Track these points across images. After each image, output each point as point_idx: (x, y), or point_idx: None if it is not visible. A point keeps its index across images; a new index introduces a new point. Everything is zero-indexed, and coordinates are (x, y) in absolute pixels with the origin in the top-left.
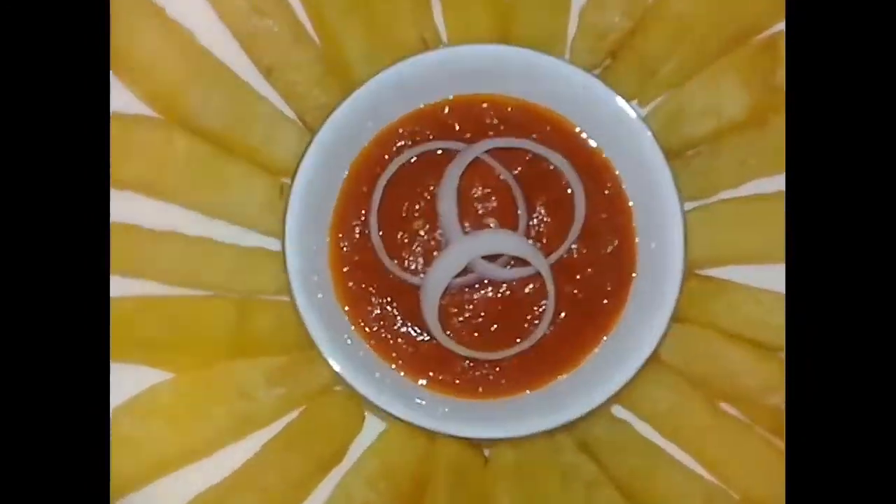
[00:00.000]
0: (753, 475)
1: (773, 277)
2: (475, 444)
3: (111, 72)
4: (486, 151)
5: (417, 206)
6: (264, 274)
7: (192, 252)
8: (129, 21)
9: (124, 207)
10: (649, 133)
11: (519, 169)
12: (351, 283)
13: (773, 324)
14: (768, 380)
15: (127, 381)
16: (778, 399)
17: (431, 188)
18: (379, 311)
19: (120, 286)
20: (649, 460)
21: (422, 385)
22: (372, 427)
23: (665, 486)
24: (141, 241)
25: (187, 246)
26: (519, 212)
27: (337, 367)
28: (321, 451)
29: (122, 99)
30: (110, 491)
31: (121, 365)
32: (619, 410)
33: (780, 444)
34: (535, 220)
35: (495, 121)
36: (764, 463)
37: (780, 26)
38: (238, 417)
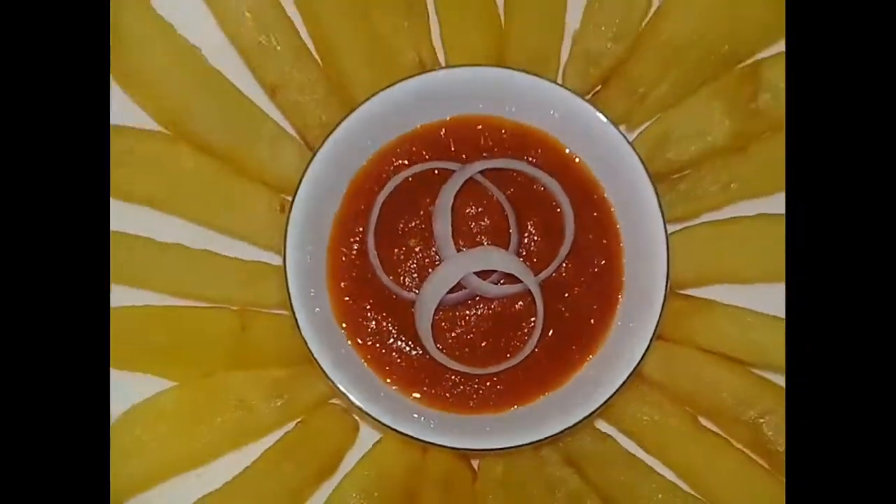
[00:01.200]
0: (731, 488)
1: (752, 297)
2: (465, 455)
3: (121, 88)
4: (481, 172)
5: (413, 224)
6: (265, 287)
7: (196, 265)
8: (139, 37)
9: (131, 219)
10: (637, 157)
11: (511, 190)
12: (348, 298)
13: (751, 341)
14: (745, 395)
15: (132, 389)
16: (753, 413)
17: (427, 206)
18: (374, 326)
19: (125, 296)
20: (632, 473)
21: (415, 398)
22: (365, 438)
23: (647, 498)
24: (147, 252)
25: (191, 259)
26: (511, 231)
27: (334, 381)
28: (317, 462)
29: (131, 114)
30: (111, 495)
31: (126, 373)
32: (603, 425)
33: (756, 457)
34: (527, 240)
35: (490, 142)
36: (741, 476)
37: (762, 54)
38: (237, 427)
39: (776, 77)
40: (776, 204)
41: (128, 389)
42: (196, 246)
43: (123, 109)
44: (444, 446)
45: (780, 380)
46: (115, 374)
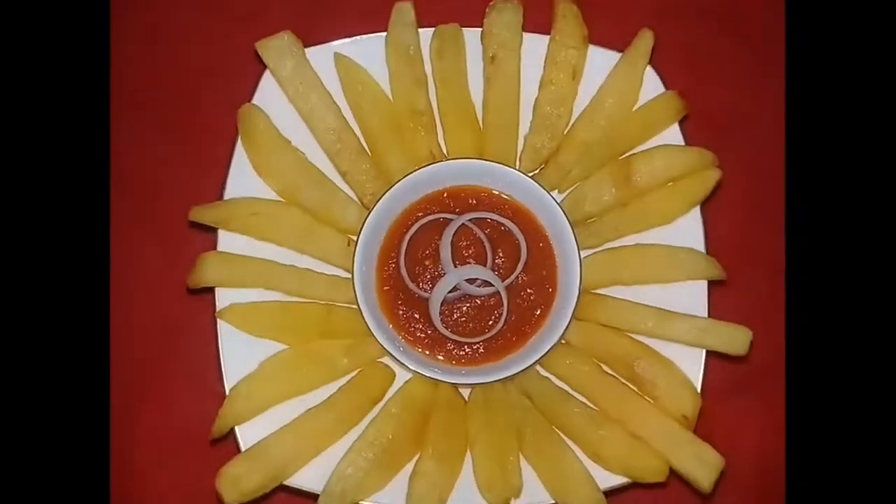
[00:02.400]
0: (617, 404)
1: (632, 293)
2: (459, 389)
3: (258, 175)
4: (470, 220)
5: (427, 251)
6: (341, 291)
7: (302, 277)
8: (270, 148)
9: (269, 253)
10: (562, 211)
11: (488, 230)
12: (388, 297)
13: (627, 318)
14: (626, 350)
15: (264, 349)
16: (630, 359)
17: (436, 241)
18: (405, 314)
19: (265, 295)
20: (560, 398)
21: (428, 355)
22: (398, 381)
23: (568, 411)
24: (274, 270)
25: (298, 273)
26: (487, 255)
27: (384, 346)
28: (370, 393)
29: (267, 192)
30: (247, 412)
31: (261, 340)
32: (543, 371)
33: (633, 387)
34: (498, 260)
35: (474, 202)
36: (624, 397)
37: (634, 150)
38: (324, 373)
39: (641, 165)
40: (644, 238)
41: (264, 350)
42: (301, 265)
43: (262, 189)
44: (449, 382)
45: (643, 339)
46: (257, 341)
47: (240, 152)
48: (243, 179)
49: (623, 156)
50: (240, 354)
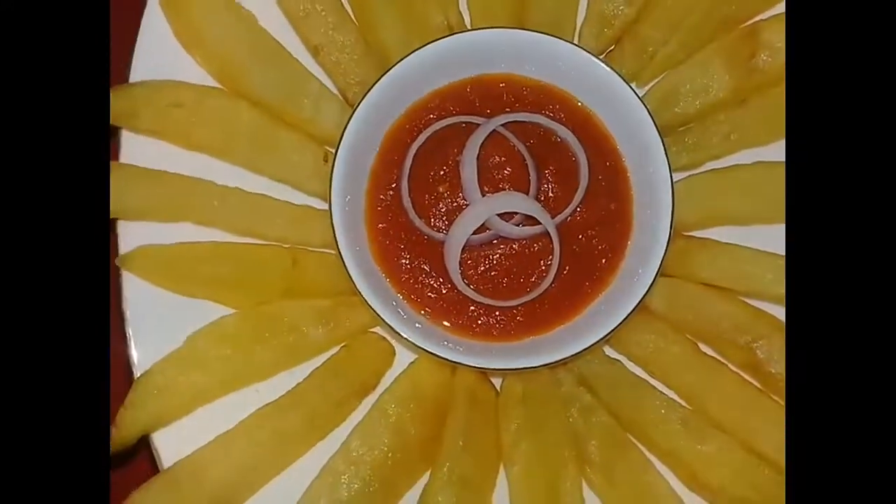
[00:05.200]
0: (726, 405)
1: (748, 236)
2: (487, 376)
3: (186, 50)
4: (503, 125)
5: (442, 172)
6: (312, 228)
7: (252, 207)
8: (202, 5)
9: (198, 166)
10: (646, 111)
11: (531, 141)
12: (385, 239)
13: (745, 273)
14: (740, 323)
15: (197, 315)
16: (748, 338)
17: (455, 156)
18: (408, 264)
19: (194, 233)
20: (637, 392)
21: (445, 326)
22: (399, 363)
23: (649, 412)
24: (211, 195)
25: (248, 202)
26: (531, 178)
27: (376, 310)
28: (359, 380)
29: (196, 74)
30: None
31: (192, 300)
32: (611, 352)
33: (749, 378)
34: (545, 186)
35: (511, 98)
36: (735, 394)
37: (760, 17)
38: (290, 349)
39: (773, 38)
40: (773, 152)
41: (193, 315)
42: (254, 190)
43: (189, 69)
44: (471, 366)
45: (772, 309)
46: (182, 301)
47: (154, 11)
48: (159, 53)
49: (743, 24)
50: (155, 323)
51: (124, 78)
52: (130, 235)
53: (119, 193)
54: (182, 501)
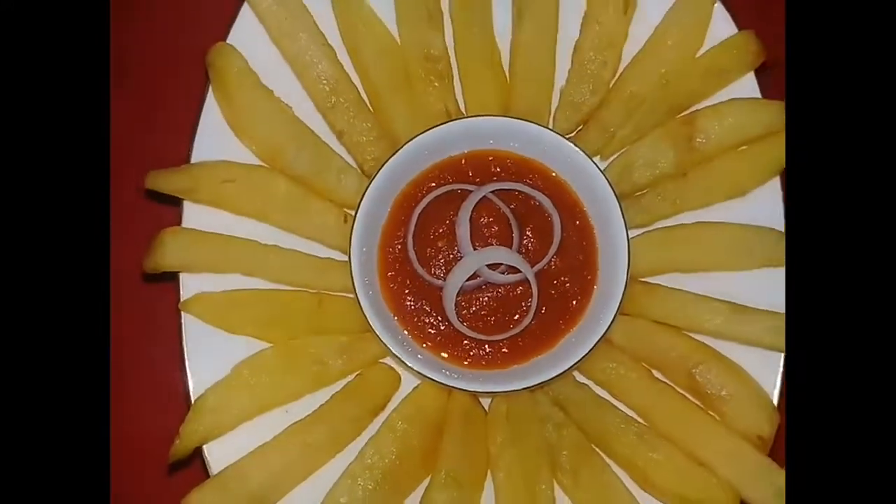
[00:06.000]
0: (673, 421)
1: (690, 281)
2: (478, 398)
3: (235, 134)
4: (492, 191)
5: (441, 230)
6: (335, 276)
7: (287, 260)
8: (248, 98)
9: (245, 229)
10: (606, 181)
11: (514, 204)
12: (393, 285)
13: (687, 313)
14: (684, 353)
15: (241, 349)
16: (689, 365)
17: (451, 217)
18: (413, 305)
19: (241, 282)
20: (601, 411)
21: (443, 357)
22: (406, 387)
23: (611, 427)
24: (254, 252)
25: (284, 256)
26: (514, 234)
27: (386, 344)
28: (371, 402)
29: (243, 154)
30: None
31: (236, 337)
32: (580, 378)
33: (692, 398)
34: (525, 241)
35: (498, 169)
36: (681, 412)
37: (697, 106)
38: (315, 376)
39: (707, 124)
40: (709, 214)
41: (239, 349)
42: (287, 246)
43: (237, 150)
44: (465, 390)
45: (707, 340)
46: (230, 338)
47: (211, 105)
48: (214, 139)
49: (684, 113)
50: (209, 355)
51: (186, 158)
52: (190, 285)
53: (182, 252)
54: (228, 500)
